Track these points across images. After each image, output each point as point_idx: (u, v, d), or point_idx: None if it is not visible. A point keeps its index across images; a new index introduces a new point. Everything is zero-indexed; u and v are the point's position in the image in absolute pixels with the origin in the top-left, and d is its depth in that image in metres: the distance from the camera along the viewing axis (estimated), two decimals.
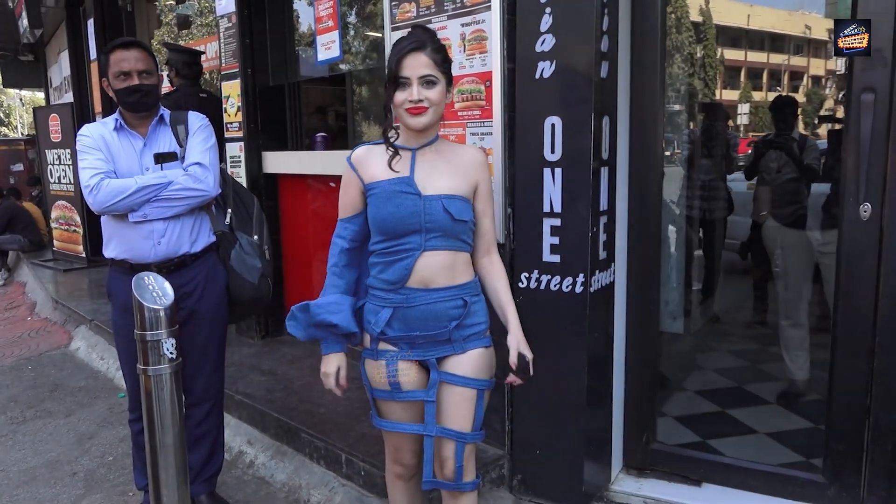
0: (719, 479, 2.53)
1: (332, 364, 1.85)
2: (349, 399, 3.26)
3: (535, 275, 2.39)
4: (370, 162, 1.80)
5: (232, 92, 4.11)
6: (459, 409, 1.80)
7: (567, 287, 2.33)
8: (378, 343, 1.82)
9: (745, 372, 3.85)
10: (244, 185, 4.13)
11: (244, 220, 2.51)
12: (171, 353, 1.94)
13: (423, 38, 1.74)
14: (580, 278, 2.31)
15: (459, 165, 1.80)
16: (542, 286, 2.38)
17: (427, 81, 1.72)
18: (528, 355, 1.82)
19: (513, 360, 1.81)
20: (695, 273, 4.57)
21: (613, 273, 2.52)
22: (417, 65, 1.71)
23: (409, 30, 1.79)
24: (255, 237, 2.51)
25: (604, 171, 2.35)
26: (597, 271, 2.36)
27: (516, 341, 1.83)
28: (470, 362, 1.81)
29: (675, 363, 3.82)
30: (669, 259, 3.79)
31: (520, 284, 2.43)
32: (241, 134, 4.10)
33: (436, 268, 1.76)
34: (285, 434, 3.08)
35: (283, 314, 4.37)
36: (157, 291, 1.96)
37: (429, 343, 1.80)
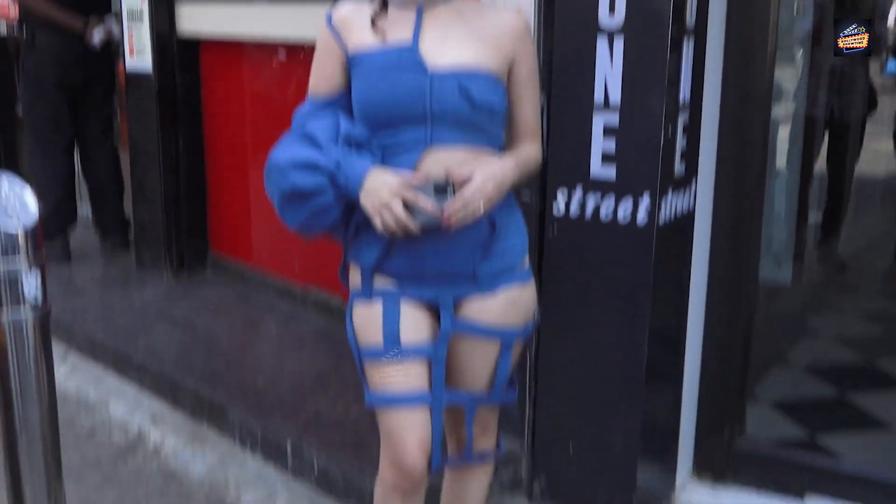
0: (830, 490, 2.57)
1: (374, 181, 1.71)
2: (301, 365, 3.29)
3: (577, 194, 2.37)
4: (359, 24, 1.82)
5: None
6: (480, 364, 1.91)
7: (625, 215, 2.31)
8: (372, 278, 1.85)
9: (878, 344, 3.86)
10: (148, 53, 4.09)
11: None
12: (34, 294, 1.92)
13: None
14: (644, 201, 2.28)
15: (487, 32, 1.83)
16: (588, 213, 2.36)
17: None
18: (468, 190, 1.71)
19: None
20: (813, 198, 4.53)
21: (694, 196, 2.49)
22: None
23: None
24: None
25: (687, 44, 2.31)
26: (670, 191, 2.34)
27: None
28: (500, 307, 1.87)
29: (778, 328, 3.83)
30: (776, 178, 3.78)
31: (554, 210, 2.40)
32: None
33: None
34: (206, 411, 3.12)
35: (204, 241, 4.41)
36: (15, 203, 1.92)
37: (443, 278, 1.83)
